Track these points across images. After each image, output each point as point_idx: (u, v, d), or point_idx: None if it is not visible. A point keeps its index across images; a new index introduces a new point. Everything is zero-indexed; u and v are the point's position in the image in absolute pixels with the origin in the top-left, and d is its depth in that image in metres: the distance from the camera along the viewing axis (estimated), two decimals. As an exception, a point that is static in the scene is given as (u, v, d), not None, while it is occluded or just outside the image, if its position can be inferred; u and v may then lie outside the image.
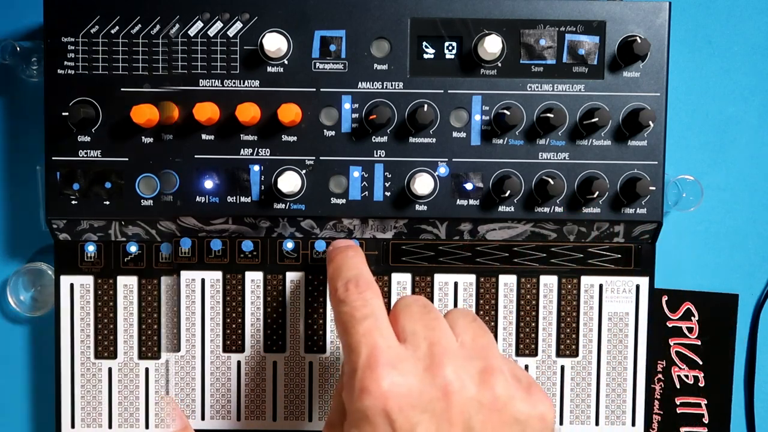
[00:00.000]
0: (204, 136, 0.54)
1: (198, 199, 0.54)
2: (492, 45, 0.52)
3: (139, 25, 0.53)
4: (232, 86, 0.54)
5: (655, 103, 0.54)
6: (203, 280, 0.56)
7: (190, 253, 0.55)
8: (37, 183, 0.57)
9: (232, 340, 0.56)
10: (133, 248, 0.55)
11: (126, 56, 0.53)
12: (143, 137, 0.54)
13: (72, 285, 0.55)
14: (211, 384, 0.56)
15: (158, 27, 0.53)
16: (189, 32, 0.54)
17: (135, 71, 0.53)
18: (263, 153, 0.54)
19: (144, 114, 0.52)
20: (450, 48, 0.54)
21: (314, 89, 0.54)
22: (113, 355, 0.55)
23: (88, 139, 0.53)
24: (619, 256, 0.56)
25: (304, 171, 0.54)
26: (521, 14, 0.53)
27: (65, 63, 0.53)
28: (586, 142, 0.54)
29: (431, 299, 0.56)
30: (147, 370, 0.55)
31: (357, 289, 0.47)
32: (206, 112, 0.52)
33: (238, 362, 0.56)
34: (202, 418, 0.56)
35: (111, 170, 0.54)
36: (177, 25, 0.53)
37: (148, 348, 0.55)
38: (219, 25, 0.54)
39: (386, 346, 0.44)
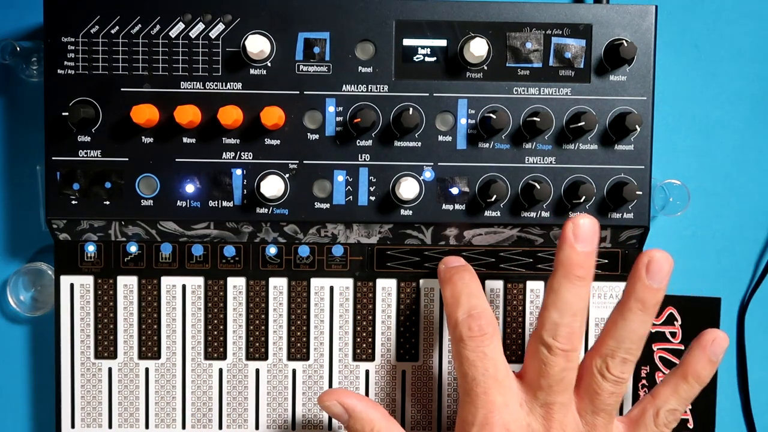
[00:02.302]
0: (185, 139, 0.53)
1: (179, 203, 0.53)
2: (478, 48, 0.52)
3: (139, 25, 0.53)
4: (214, 89, 0.53)
5: (642, 107, 0.54)
6: (184, 286, 0.55)
7: (171, 258, 0.55)
8: (37, 183, 0.57)
9: (214, 347, 0.55)
10: (133, 248, 0.55)
11: (126, 56, 0.53)
12: (143, 137, 0.53)
13: (72, 285, 0.55)
14: (192, 392, 0.55)
15: (158, 27, 0.53)
16: (170, 33, 0.53)
17: (135, 71, 0.53)
18: (246, 157, 0.53)
19: (144, 114, 0.52)
20: (435, 51, 0.53)
21: (298, 92, 0.53)
22: (113, 355, 0.55)
23: (88, 139, 0.53)
24: (606, 261, 0.55)
25: (287, 175, 0.54)
26: (507, 17, 0.53)
27: (65, 63, 0.53)
28: (572, 147, 0.54)
29: (417, 305, 0.55)
30: (147, 370, 0.55)
31: (479, 330, 0.48)
32: (187, 114, 0.52)
33: (220, 370, 0.55)
34: (183, 427, 0.55)
35: (111, 170, 0.53)
36: (158, 26, 0.53)
37: (148, 348, 0.55)
38: (200, 26, 0.53)
39: (503, 405, 0.48)
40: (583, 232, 0.47)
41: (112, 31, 0.53)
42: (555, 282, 0.48)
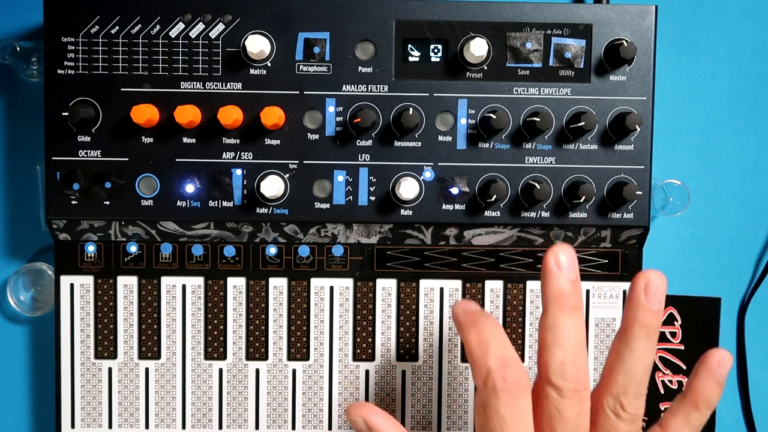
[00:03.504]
0: (185, 140, 0.53)
1: (179, 203, 0.53)
2: (478, 48, 0.52)
3: (139, 25, 0.53)
4: (214, 89, 0.53)
5: (642, 107, 0.53)
6: (184, 286, 0.55)
7: (171, 258, 0.55)
8: (37, 183, 0.57)
9: (214, 347, 0.55)
10: (133, 248, 0.55)
11: (126, 56, 0.53)
12: (143, 137, 0.53)
13: (72, 285, 0.55)
14: (192, 392, 0.55)
15: (158, 27, 0.53)
16: (170, 33, 0.53)
17: (135, 71, 0.53)
18: (246, 157, 0.53)
19: (144, 114, 0.52)
20: (435, 51, 0.53)
21: (298, 92, 0.53)
22: (113, 355, 0.55)
23: (88, 139, 0.53)
24: (606, 261, 0.55)
25: (287, 175, 0.54)
26: (507, 17, 0.53)
27: (65, 63, 0.53)
28: (572, 147, 0.54)
29: (417, 305, 0.55)
30: (147, 370, 0.55)
31: (515, 383, 0.43)
32: (187, 114, 0.52)
33: (220, 370, 0.55)
34: (183, 427, 0.55)
35: (111, 170, 0.53)
36: (158, 26, 0.53)
37: (148, 348, 0.55)
38: (200, 26, 0.53)
39: None
40: (564, 261, 0.45)
41: (112, 31, 0.53)
42: (549, 318, 0.45)
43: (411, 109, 0.53)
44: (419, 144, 0.54)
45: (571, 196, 0.53)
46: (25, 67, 0.56)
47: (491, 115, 0.52)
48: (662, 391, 0.59)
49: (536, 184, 0.53)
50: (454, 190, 0.54)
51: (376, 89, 0.53)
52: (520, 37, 0.53)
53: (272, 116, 0.52)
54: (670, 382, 0.59)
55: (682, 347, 0.59)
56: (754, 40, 0.59)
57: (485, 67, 0.53)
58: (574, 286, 0.45)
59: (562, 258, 0.45)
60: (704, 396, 0.46)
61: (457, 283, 0.55)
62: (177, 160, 0.53)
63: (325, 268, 0.55)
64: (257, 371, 0.55)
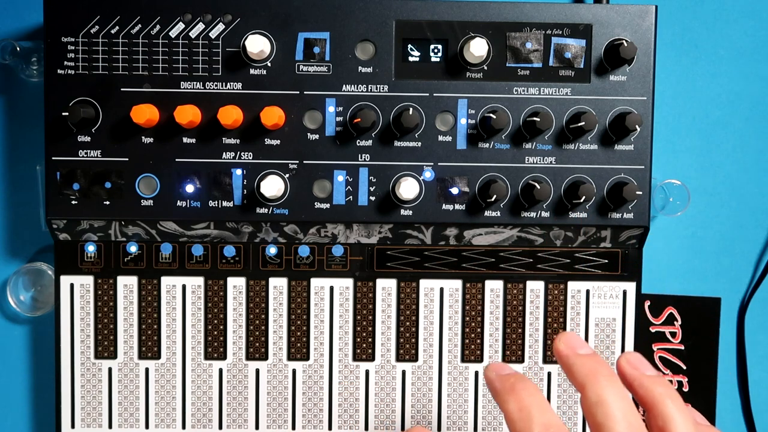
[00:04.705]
0: (185, 140, 0.53)
1: (179, 203, 0.54)
2: (478, 48, 0.52)
3: (139, 25, 0.53)
4: (214, 89, 0.53)
5: (642, 107, 0.53)
6: (184, 286, 0.55)
7: (171, 258, 0.55)
8: (37, 183, 0.57)
9: (214, 347, 0.55)
10: (133, 248, 0.55)
11: (126, 56, 0.53)
12: (143, 137, 0.53)
13: (72, 285, 0.55)
14: (192, 392, 0.55)
15: (158, 27, 0.53)
16: (170, 33, 0.53)
17: (135, 71, 0.53)
18: (246, 157, 0.53)
19: (144, 114, 0.52)
20: (435, 51, 0.53)
21: (298, 92, 0.53)
22: (113, 355, 0.55)
23: (88, 139, 0.53)
24: (606, 261, 0.55)
25: (287, 175, 0.54)
26: (507, 17, 0.53)
27: (65, 63, 0.53)
28: (572, 147, 0.54)
29: (416, 305, 0.55)
30: (147, 370, 0.55)
31: None
32: (187, 114, 0.52)
33: (220, 370, 0.55)
34: (183, 427, 0.55)
35: (111, 170, 0.53)
36: (158, 26, 0.53)
37: (148, 348, 0.55)
38: (200, 26, 0.53)
39: None
40: (574, 341, 0.44)
41: (112, 31, 0.53)
42: (591, 395, 0.41)
43: (411, 109, 0.53)
44: (419, 144, 0.54)
45: (571, 196, 0.53)
46: (25, 67, 0.56)
47: (491, 115, 0.52)
48: (662, 391, 0.59)
49: (536, 184, 0.53)
50: (454, 190, 0.54)
51: (376, 89, 0.53)
52: (520, 37, 0.53)
53: (272, 116, 0.52)
54: (671, 381, 0.59)
55: (682, 347, 0.59)
56: (754, 40, 0.59)
57: (485, 67, 0.53)
58: (596, 359, 0.43)
59: (570, 340, 0.43)
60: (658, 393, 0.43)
61: (457, 283, 0.55)
62: (177, 160, 0.53)
63: (325, 268, 0.55)
64: (257, 371, 0.55)
